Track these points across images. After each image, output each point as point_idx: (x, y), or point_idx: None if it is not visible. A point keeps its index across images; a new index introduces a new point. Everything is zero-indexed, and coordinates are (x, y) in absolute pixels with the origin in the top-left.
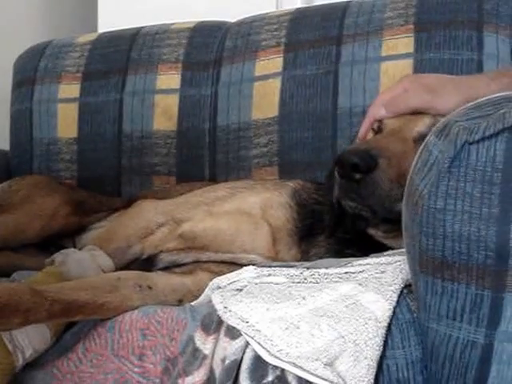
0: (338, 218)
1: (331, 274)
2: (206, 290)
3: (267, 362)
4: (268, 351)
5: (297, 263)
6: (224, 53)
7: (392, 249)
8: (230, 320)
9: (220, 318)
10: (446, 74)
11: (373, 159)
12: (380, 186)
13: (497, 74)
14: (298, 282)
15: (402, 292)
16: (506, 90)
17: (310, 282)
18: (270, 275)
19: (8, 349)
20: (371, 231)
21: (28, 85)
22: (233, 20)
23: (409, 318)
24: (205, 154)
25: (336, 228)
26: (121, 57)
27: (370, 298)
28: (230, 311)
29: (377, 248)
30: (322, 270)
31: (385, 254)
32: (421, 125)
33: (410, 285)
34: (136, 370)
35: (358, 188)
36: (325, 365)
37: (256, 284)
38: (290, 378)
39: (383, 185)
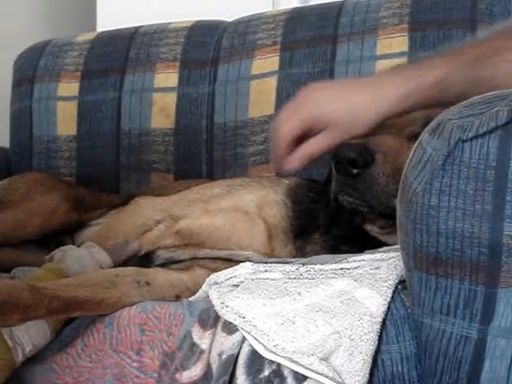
0: (334, 215)
1: (326, 270)
2: (204, 285)
3: (263, 357)
4: (264, 346)
5: (292, 259)
6: (221, 52)
7: (387, 245)
8: (227, 315)
9: (217, 313)
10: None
11: (370, 154)
12: (377, 181)
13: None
14: (294, 278)
15: (396, 288)
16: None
17: (306, 277)
18: (266, 271)
19: (8, 345)
20: (367, 227)
21: (28, 83)
22: (230, 19)
23: (403, 313)
24: (202, 152)
25: (331, 225)
26: (119, 56)
27: (365, 293)
28: (226, 307)
29: (372, 244)
30: (318, 266)
31: (379, 250)
32: (414, 124)
33: (404, 281)
34: (134, 364)
35: (355, 183)
36: (320, 359)
37: (252, 280)
38: (285, 373)
39: (380, 180)
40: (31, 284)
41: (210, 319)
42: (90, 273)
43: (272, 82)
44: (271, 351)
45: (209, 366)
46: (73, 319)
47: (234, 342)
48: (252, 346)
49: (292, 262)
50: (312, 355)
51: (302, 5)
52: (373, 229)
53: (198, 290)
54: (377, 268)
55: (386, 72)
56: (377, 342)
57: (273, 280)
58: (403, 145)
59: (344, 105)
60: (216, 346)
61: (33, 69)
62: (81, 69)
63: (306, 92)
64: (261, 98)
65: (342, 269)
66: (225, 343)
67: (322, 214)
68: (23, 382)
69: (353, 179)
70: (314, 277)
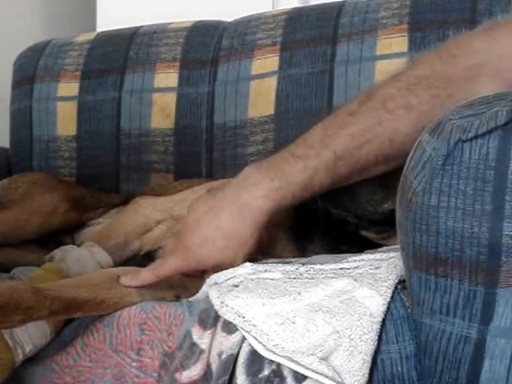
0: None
1: (326, 270)
2: (204, 286)
3: (263, 357)
4: (264, 346)
5: (292, 259)
6: (221, 52)
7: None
8: (227, 315)
9: (217, 313)
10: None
11: None
12: (359, 190)
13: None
14: (294, 278)
15: (396, 288)
16: None
17: (306, 277)
18: (266, 271)
19: (8, 344)
20: (363, 233)
21: (28, 83)
22: (229, 19)
23: (403, 313)
24: (202, 152)
25: (330, 226)
26: (119, 56)
27: (365, 293)
28: (226, 306)
29: (371, 244)
30: (318, 266)
31: (379, 250)
32: None
33: (403, 280)
34: (134, 364)
35: (337, 195)
36: (320, 359)
37: (252, 280)
38: (285, 373)
39: (362, 189)
40: (32, 285)
41: (209, 319)
42: (91, 273)
43: (272, 82)
44: (271, 351)
45: (208, 365)
46: (73, 319)
47: (234, 342)
48: (252, 346)
49: (292, 262)
50: (312, 355)
51: (302, 5)
52: (369, 235)
53: (197, 290)
54: (377, 268)
55: (249, 179)
56: (376, 342)
57: (272, 280)
58: None
59: (218, 244)
60: (216, 345)
61: (33, 69)
62: (81, 69)
63: (178, 239)
64: (260, 98)
65: (341, 268)
66: (224, 343)
67: (322, 214)
68: (23, 382)
69: (335, 191)
70: (313, 277)
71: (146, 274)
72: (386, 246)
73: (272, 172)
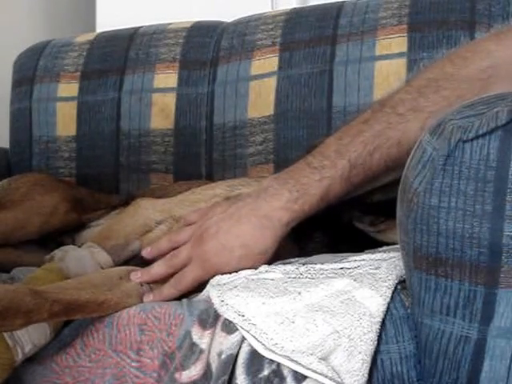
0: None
1: (327, 270)
2: (207, 287)
3: (263, 357)
4: (263, 345)
5: (292, 260)
6: (220, 52)
7: (384, 243)
8: (226, 314)
9: (216, 313)
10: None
11: None
12: None
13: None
14: (294, 278)
15: (396, 288)
16: None
17: (306, 277)
18: (266, 271)
19: (8, 344)
20: (359, 225)
21: (27, 84)
22: (229, 20)
23: (403, 313)
24: (201, 152)
25: (330, 224)
26: (119, 56)
27: (365, 293)
28: (226, 305)
29: (371, 243)
30: (318, 266)
31: (380, 249)
32: None
33: (404, 280)
34: (134, 364)
35: None
36: (319, 359)
37: (253, 279)
38: (285, 373)
39: None
40: (32, 288)
41: (209, 319)
42: (91, 274)
43: (271, 83)
44: (270, 350)
45: (208, 365)
46: (73, 319)
47: (234, 342)
48: (251, 346)
49: (292, 262)
50: (311, 355)
51: (301, 5)
52: (365, 227)
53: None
54: (377, 268)
55: (268, 189)
56: (376, 342)
57: (273, 280)
58: None
59: (236, 253)
60: (215, 345)
61: (32, 69)
62: (80, 69)
63: (195, 244)
64: (260, 98)
65: (342, 268)
66: (224, 343)
67: (321, 213)
68: (23, 382)
69: None
70: (314, 276)
71: (169, 291)
72: (384, 240)
73: (290, 183)
